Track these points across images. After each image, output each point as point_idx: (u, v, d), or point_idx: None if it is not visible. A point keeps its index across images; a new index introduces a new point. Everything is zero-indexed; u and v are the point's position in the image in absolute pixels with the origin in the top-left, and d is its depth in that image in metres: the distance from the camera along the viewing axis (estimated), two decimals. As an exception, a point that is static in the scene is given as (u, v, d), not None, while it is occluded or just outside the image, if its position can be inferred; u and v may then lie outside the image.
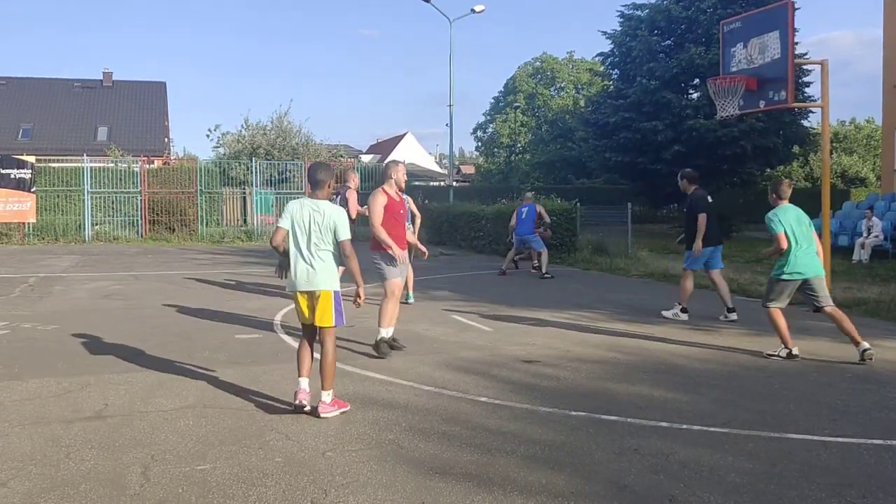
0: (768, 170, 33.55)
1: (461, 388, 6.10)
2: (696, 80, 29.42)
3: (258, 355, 7.32)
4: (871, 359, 7.07)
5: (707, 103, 24.12)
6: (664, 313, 9.87)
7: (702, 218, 9.56)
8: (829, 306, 7.38)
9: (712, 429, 5.06)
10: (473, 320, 9.44)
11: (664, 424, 5.14)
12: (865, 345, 7.14)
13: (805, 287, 7.40)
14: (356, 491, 3.93)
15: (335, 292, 5.32)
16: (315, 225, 5.27)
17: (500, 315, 9.89)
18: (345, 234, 5.30)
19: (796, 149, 32.11)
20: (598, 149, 33.40)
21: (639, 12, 31.66)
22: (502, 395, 5.86)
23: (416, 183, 37.75)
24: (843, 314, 7.38)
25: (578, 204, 19.31)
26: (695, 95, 29.91)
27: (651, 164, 28.36)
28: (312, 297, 5.30)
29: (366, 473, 4.18)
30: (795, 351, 7.30)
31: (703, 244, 9.58)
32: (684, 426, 5.11)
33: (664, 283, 13.82)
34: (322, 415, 5.19)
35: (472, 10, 30.07)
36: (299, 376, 5.35)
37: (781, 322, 7.35)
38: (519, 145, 60.14)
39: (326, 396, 5.27)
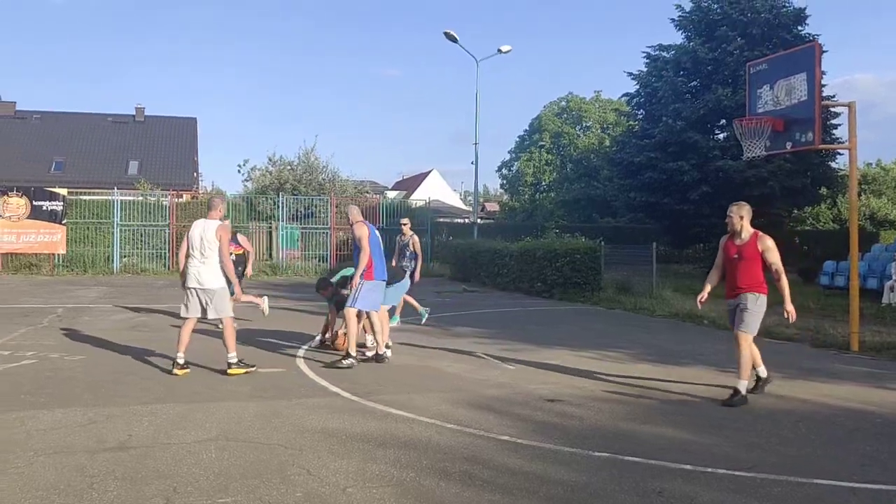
0: (795, 211, 33.33)
1: (483, 426, 6.07)
2: (723, 121, 29.38)
3: (281, 389, 7.34)
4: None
5: (734, 144, 24.01)
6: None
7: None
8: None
9: (737, 473, 4.99)
10: (496, 357, 9.40)
11: (688, 467, 5.07)
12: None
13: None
14: (376, 528, 3.91)
15: None
16: None
17: (523, 353, 9.84)
18: None
19: (824, 190, 31.90)
20: (623, 188, 33.40)
21: (664, 53, 31.78)
22: (525, 435, 5.82)
23: (441, 220, 37.94)
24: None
25: (603, 243, 19.27)
26: (721, 136, 29.86)
27: (677, 204, 28.28)
28: None
29: (386, 511, 4.16)
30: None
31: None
32: (709, 469, 5.04)
33: (689, 323, 13.70)
34: None
35: (499, 51, 30.33)
36: None
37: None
38: (544, 183, 60.24)
39: None
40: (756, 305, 7.21)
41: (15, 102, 48.95)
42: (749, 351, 7.23)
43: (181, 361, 7.95)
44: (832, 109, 26.56)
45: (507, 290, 20.21)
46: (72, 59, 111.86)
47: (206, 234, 8.03)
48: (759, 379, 7.58)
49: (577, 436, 5.84)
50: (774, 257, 7.19)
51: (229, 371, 7.96)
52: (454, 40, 28.78)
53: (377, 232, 8.94)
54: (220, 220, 8.29)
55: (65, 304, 14.82)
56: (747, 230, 7.31)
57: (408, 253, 12.70)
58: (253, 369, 8.06)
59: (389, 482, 4.64)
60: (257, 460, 5.02)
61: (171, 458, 5.02)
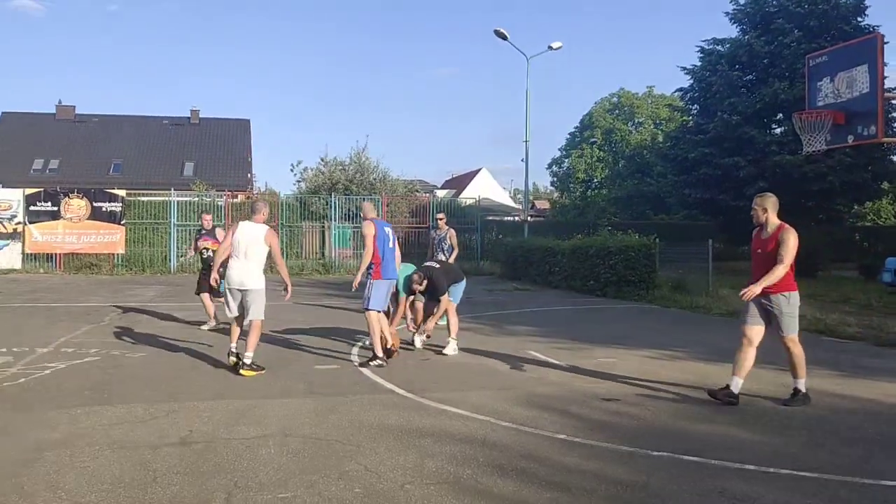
0: (856, 206, 32.53)
1: (539, 424, 6.03)
2: (780, 115, 28.83)
3: (336, 386, 7.41)
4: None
5: (792, 139, 23.57)
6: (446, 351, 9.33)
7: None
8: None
9: (802, 473, 4.87)
10: (550, 356, 9.34)
11: (750, 467, 4.97)
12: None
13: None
14: (435, 525, 3.92)
15: None
16: None
17: (577, 351, 9.77)
18: None
19: (885, 185, 31.06)
20: (677, 184, 33.00)
21: (719, 47, 31.32)
22: (581, 433, 5.78)
23: (491, 218, 37.87)
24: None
25: (657, 240, 19.01)
26: (778, 130, 29.29)
27: (733, 200, 27.79)
28: None
29: (444, 507, 4.16)
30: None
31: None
32: (771, 469, 4.93)
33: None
34: None
35: (550, 47, 30.12)
36: None
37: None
38: (595, 180, 59.80)
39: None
40: (789, 307, 6.73)
41: (75, 106, 50.32)
42: (800, 349, 6.83)
43: (234, 351, 8.14)
44: (895, 101, 25.88)
45: (560, 289, 20.08)
46: (127, 64, 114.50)
47: (254, 238, 8.15)
48: (722, 390, 6.87)
49: (634, 435, 5.76)
50: (784, 250, 6.60)
51: (242, 371, 7.91)
52: (504, 38, 28.67)
53: (388, 230, 8.79)
54: (265, 223, 8.37)
55: (125, 303, 15.15)
56: (773, 223, 6.85)
57: (445, 246, 12.70)
58: (263, 371, 7.99)
59: (447, 479, 4.64)
60: (315, 456, 5.06)
61: (232, 453, 5.10)
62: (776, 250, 6.67)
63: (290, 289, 8.55)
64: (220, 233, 12.07)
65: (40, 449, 5.14)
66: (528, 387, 7.52)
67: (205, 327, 11.52)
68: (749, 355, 6.85)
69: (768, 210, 6.89)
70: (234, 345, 8.19)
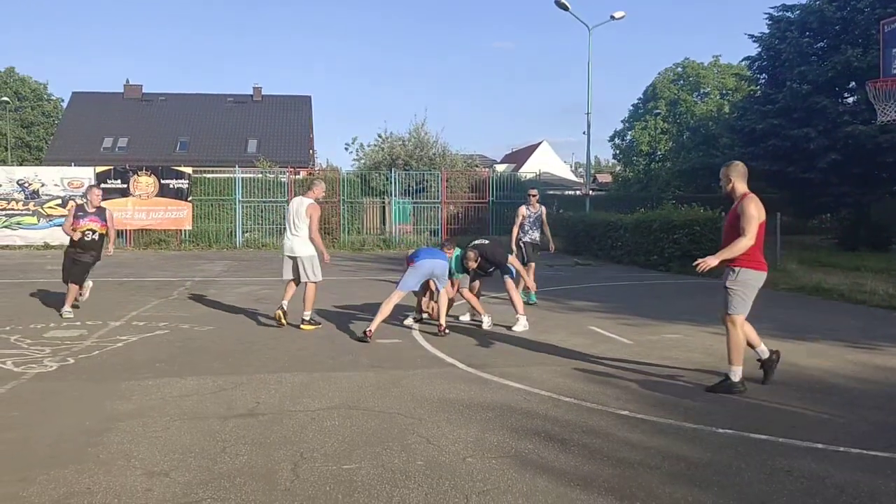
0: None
1: (601, 400, 6.00)
2: (853, 84, 27.79)
3: (398, 360, 7.49)
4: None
5: (865, 108, 22.76)
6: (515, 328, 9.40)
7: None
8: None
9: (872, 452, 4.75)
10: (612, 332, 9.27)
11: (819, 446, 4.86)
12: None
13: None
14: (497, 498, 3.94)
15: None
16: None
17: (641, 327, 9.67)
18: None
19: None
20: (743, 157, 32.01)
21: (789, 14, 30.26)
22: (644, 410, 5.72)
23: (551, 192, 37.55)
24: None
25: (723, 213, 18.60)
26: (851, 100, 28.26)
27: (802, 172, 26.97)
28: None
29: (506, 481, 4.18)
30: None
31: None
32: (841, 448, 4.82)
33: (817, 297, 13.10)
34: None
35: (612, 17, 29.56)
36: None
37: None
38: (659, 153, 58.63)
39: None
40: (737, 283, 6.29)
41: (142, 85, 51.48)
42: (737, 333, 6.31)
43: (285, 307, 9.26)
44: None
45: (622, 264, 19.87)
46: (192, 43, 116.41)
47: (299, 210, 9.22)
48: (761, 362, 6.66)
49: (699, 412, 5.69)
50: (745, 221, 6.10)
51: (302, 326, 9.15)
52: (565, 8, 28.22)
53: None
54: (315, 200, 9.34)
55: (193, 278, 15.53)
56: (739, 192, 6.32)
57: (538, 224, 12.34)
58: (320, 325, 9.30)
59: (508, 453, 4.66)
60: (379, 428, 5.13)
61: (297, 424, 5.21)
62: (739, 221, 6.21)
63: (326, 256, 9.42)
64: (108, 215, 10.55)
65: (114, 419, 5.32)
66: (590, 362, 7.48)
67: (65, 312, 10.04)
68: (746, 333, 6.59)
69: (733, 180, 6.37)
70: (285, 301, 9.32)
